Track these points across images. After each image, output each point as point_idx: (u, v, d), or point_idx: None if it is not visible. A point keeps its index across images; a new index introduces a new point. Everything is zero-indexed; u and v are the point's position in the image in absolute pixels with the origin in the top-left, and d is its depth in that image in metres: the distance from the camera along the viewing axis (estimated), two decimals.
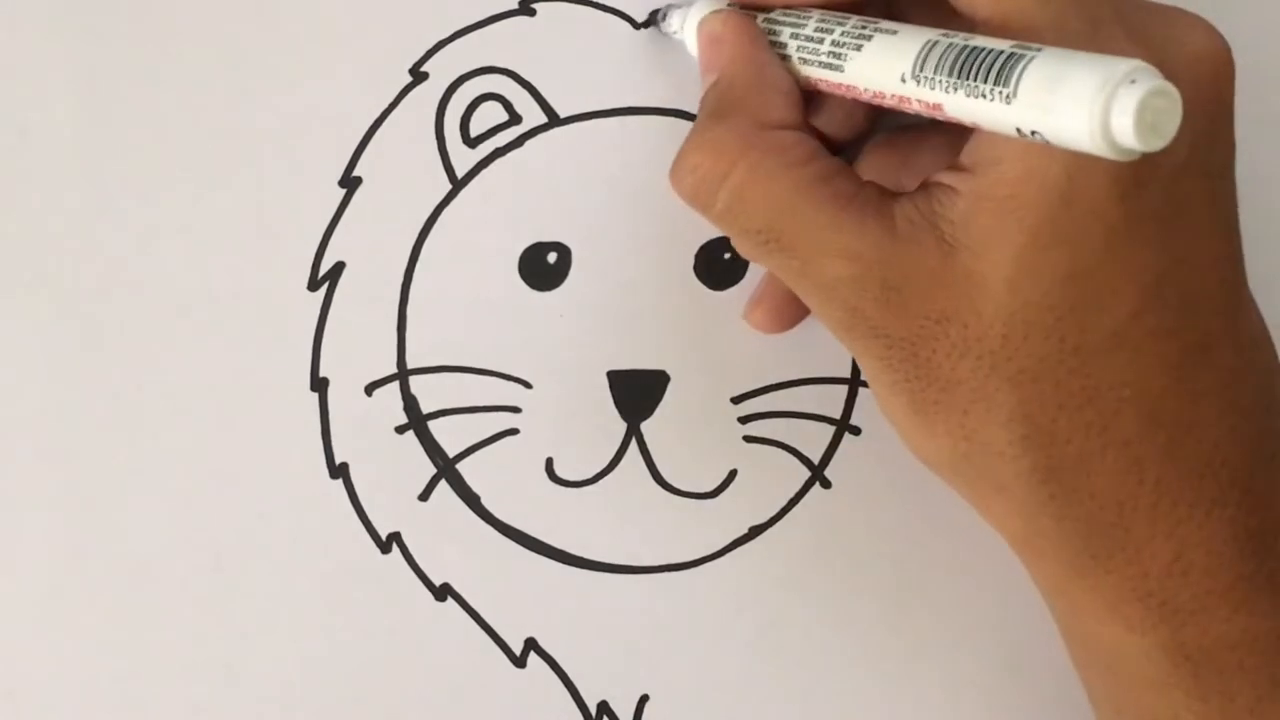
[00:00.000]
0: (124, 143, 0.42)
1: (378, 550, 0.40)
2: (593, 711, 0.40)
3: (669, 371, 0.40)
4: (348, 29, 0.42)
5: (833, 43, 0.34)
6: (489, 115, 0.42)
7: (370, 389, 0.41)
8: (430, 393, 0.41)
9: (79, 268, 0.41)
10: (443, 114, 0.42)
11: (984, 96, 0.29)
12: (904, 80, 0.31)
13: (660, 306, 0.41)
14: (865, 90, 0.33)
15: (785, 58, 0.35)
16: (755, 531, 0.40)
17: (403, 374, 0.41)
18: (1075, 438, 0.32)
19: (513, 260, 0.41)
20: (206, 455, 0.41)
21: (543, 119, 0.42)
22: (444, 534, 0.40)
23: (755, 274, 0.41)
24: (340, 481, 0.41)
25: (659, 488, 0.40)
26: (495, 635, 0.40)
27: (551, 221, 0.41)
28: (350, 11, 0.42)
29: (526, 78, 0.42)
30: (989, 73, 0.29)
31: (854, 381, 0.40)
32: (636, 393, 0.40)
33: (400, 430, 0.41)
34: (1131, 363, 0.32)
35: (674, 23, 0.39)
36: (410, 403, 0.41)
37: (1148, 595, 0.33)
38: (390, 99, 0.42)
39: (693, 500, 0.40)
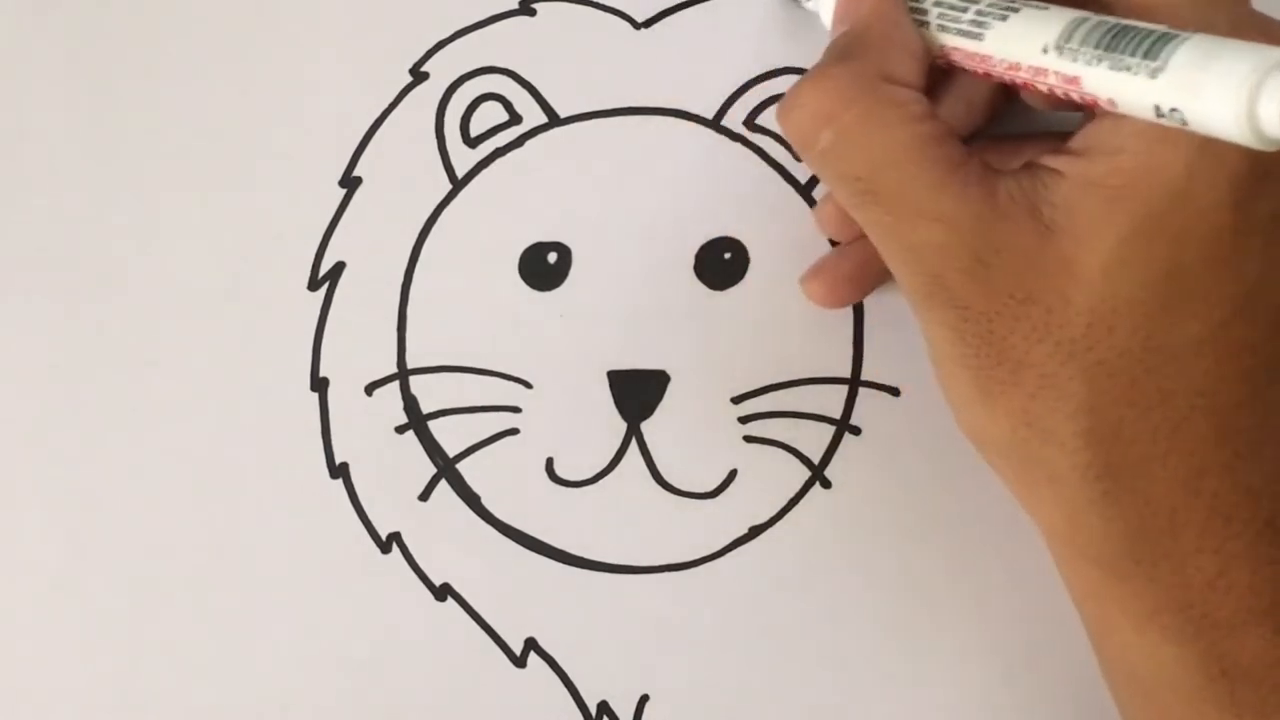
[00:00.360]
0: (124, 143, 0.42)
1: (378, 550, 0.40)
2: (593, 711, 0.40)
3: (669, 371, 0.40)
4: (348, 29, 0.42)
5: (977, 11, 0.33)
6: (489, 115, 0.42)
7: (370, 389, 0.41)
8: (430, 393, 0.41)
9: (79, 268, 0.42)
10: (443, 114, 0.42)
11: (1129, 70, 0.29)
12: (1045, 51, 0.31)
13: (660, 306, 0.41)
14: (1000, 61, 0.33)
15: (923, 24, 0.35)
16: (755, 531, 0.40)
17: (403, 374, 0.41)
18: (1140, 439, 0.32)
19: (513, 260, 0.41)
20: (206, 455, 0.41)
21: (543, 119, 0.42)
22: (444, 534, 0.40)
23: (755, 274, 0.41)
24: (340, 481, 0.41)
25: (659, 488, 0.40)
26: (495, 635, 0.40)
27: (551, 221, 0.41)
28: (350, 11, 0.42)
29: (526, 78, 0.42)
30: (1138, 47, 0.29)
31: (854, 381, 0.40)
32: (636, 393, 0.40)
33: (400, 430, 0.41)
34: (1210, 372, 0.32)
35: None
36: (410, 403, 0.41)
37: (1188, 606, 0.32)
38: (390, 99, 0.42)
39: (693, 500, 0.40)
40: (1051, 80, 0.31)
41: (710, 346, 0.40)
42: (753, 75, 0.41)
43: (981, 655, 0.39)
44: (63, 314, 0.41)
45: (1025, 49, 0.32)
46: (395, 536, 0.40)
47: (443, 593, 0.40)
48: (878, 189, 0.33)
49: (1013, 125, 0.39)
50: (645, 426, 0.40)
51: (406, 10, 0.42)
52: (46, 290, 0.42)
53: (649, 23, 0.42)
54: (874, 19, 0.35)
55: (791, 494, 0.40)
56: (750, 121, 0.41)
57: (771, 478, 0.40)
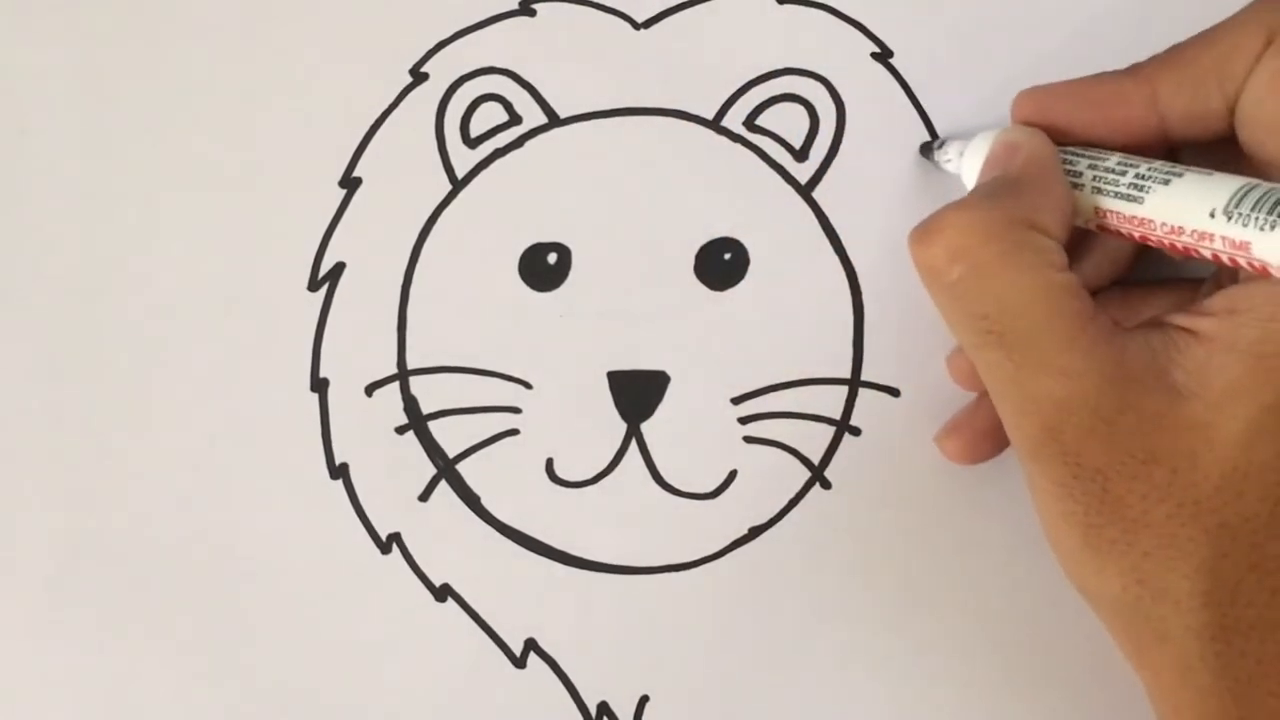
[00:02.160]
0: (124, 143, 0.42)
1: (378, 550, 0.40)
2: (593, 712, 0.40)
3: (669, 371, 0.40)
4: (348, 29, 0.42)
5: (1137, 175, 0.33)
6: (489, 116, 0.42)
7: (370, 389, 0.41)
8: (430, 393, 0.41)
9: (79, 268, 0.42)
10: (443, 114, 0.42)
11: None
12: (1213, 216, 0.31)
13: (660, 306, 0.41)
14: (1162, 225, 0.32)
15: (1077, 186, 0.35)
16: (755, 532, 0.40)
17: (403, 374, 0.41)
18: (1258, 601, 0.31)
19: (513, 260, 0.41)
20: (206, 455, 0.41)
21: (543, 119, 0.42)
22: (444, 534, 0.40)
23: (755, 274, 0.41)
24: (340, 481, 0.41)
25: (659, 488, 0.40)
26: (495, 635, 0.40)
27: (551, 221, 0.41)
28: (350, 11, 0.42)
29: (526, 78, 0.42)
30: None
31: (854, 382, 0.40)
32: (636, 393, 0.40)
33: (400, 430, 0.41)
34: None
35: (950, 152, 0.38)
36: (410, 403, 0.41)
37: None
38: (390, 99, 0.42)
39: (693, 500, 0.40)
40: (1217, 245, 0.31)
41: (710, 347, 0.40)
42: (753, 75, 0.41)
43: (981, 655, 0.39)
44: (63, 314, 0.41)
45: (1191, 214, 0.32)
46: (395, 537, 0.40)
47: (443, 593, 0.40)
48: (1003, 332, 0.32)
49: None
50: (645, 427, 0.40)
51: (406, 10, 0.42)
52: (46, 290, 0.42)
53: (649, 23, 0.42)
54: (1028, 168, 0.34)
55: (791, 494, 0.40)
56: (750, 121, 0.41)
57: (771, 478, 0.40)
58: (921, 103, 0.42)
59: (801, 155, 0.41)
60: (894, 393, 0.40)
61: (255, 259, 0.41)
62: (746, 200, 0.41)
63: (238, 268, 0.41)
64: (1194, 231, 0.32)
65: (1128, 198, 0.33)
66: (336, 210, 0.42)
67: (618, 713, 0.40)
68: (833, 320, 0.41)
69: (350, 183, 0.42)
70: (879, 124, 0.41)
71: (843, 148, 0.41)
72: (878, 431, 0.40)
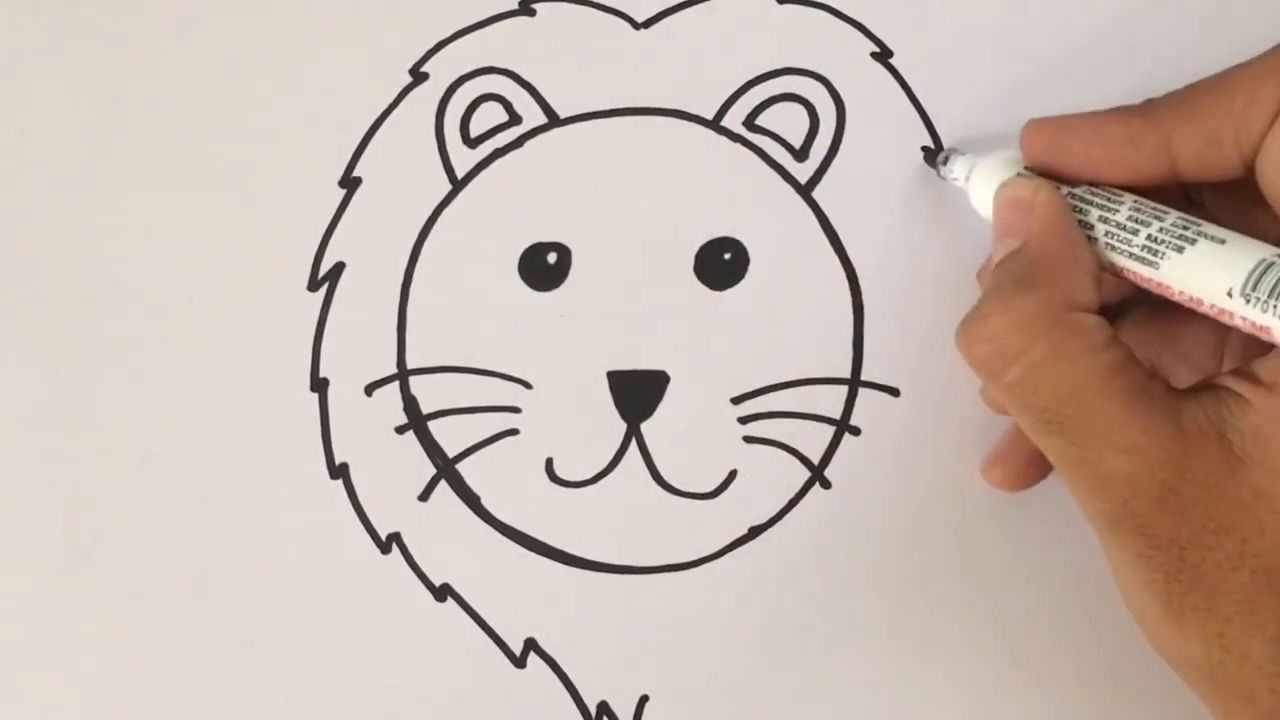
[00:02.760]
0: (124, 143, 0.42)
1: (378, 550, 0.40)
2: (592, 712, 0.40)
3: (669, 371, 0.40)
4: (348, 29, 0.42)
5: (1149, 237, 0.33)
6: (489, 116, 0.42)
7: (370, 389, 0.41)
8: (430, 393, 0.41)
9: (79, 268, 0.42)
10: (443, 114, 0.42)
11: None
12: (1230, 295, 0.31)
13: (660, 306, 0.41)
14: (1179, 293, 0.32)
15: (1090, 239, 0.34)
16: (755, 531, 0.40)
17: (403, 374, 0.41)
18: None
19: (513, 260, 0.41)
20: (206, 455, 0.41)
21: (543, 119, 0.42)
22: (444, 534, 0.40)
23: (755, 274, 0.41)
24: (340, 481, 0.41)
25: (659, 488, 0.40)
26: (495, 635, 0.40)
27: (551, 221, 0.41)
28: (350, 11, 0.42)
29: (526, 78, 0.42)
30: None
31: (854, 382, 0.40)
32: (636, 393, 0.40)
33: (400, 430, 0.41)
34: None
35: (957, 170, 0.38)
36: (410, 403, 0.41)
37: None
38: (390, 99, 0.42)
39: (693, 500, 0.40)
40: (1238, 322, 0.31)
41: (710, 346, 0.40)
42: (753, 75, 0.41)
43: (981, 655, 0.39)
44: (63, 314, 0.41)
45: (1208, 289, 0.31)
46: (395, 537, 0.40)
47: (443, 593, 0.40)
48: (1064, 420, 0.33)
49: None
50: (645, 427, 0.40)
51: (406, 10, 0.42)
52: (46, 290, 0.42)
53: (649, 23, 0.42)
54: (1049, 240, 0.34)
55: (791, 494, 0.40)
56: (750, 121, 0.41)
57: (771, 478, 0.40)
58: (921, 103, 0.42)
59: (801, 155, 0.41)
60: (894, 393, 0.40)
61: (255, 259, 0.41)
62: (746, 200, 0.41)
63: (238, 268, 0.41)
64: (1213, 306, 0.32)
65: (1142, 260, 0.33)
66: (336, 210, 0.42)
67: (618, 713, 0.40)
68: (833, 320, 0.41)
69: (350, 183, 0.42)
70: (879, 124, 0.41)
71: (843, 148, 0.41)
72: (878, 431, 0.40)
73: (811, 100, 0.41)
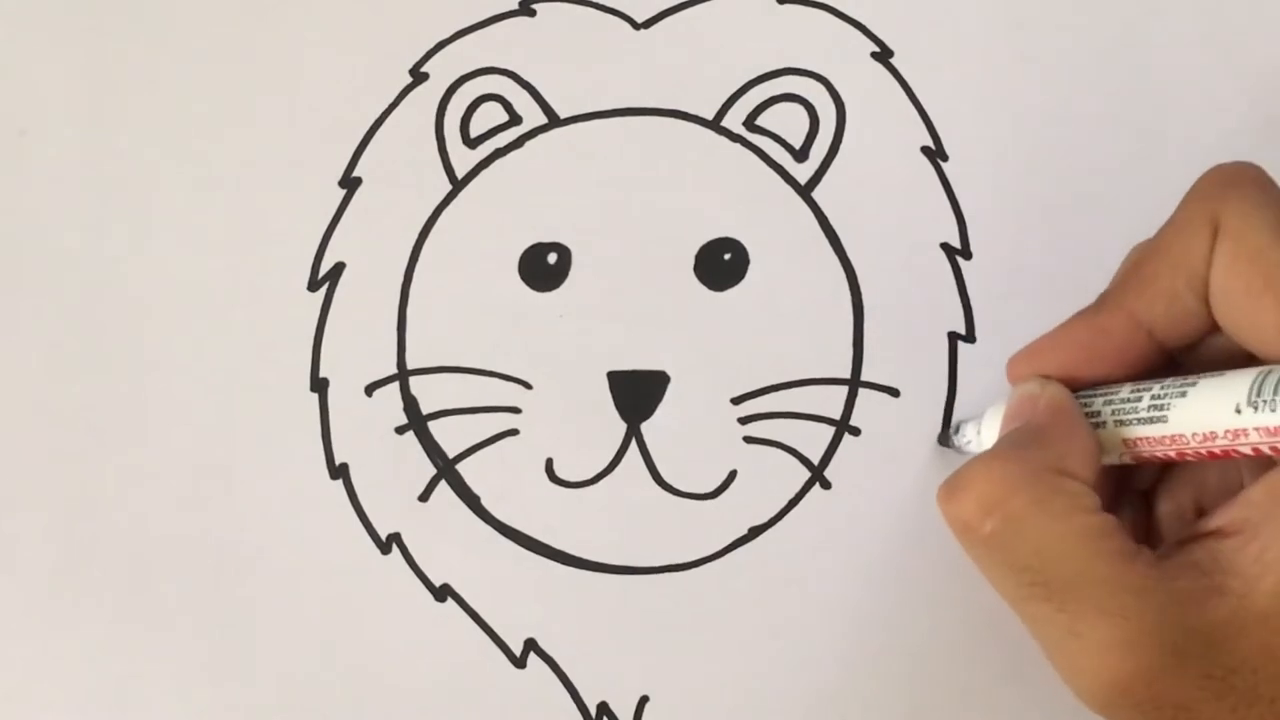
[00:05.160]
0: (124, 143, 0.42)
1: (378, 550, 0.40)
2: (592, 712, 0.40)
3: (669, 371, 0.40)
4: (348, 29, 0.42)
5: (1152, 397, 0.33)
6: (489, 116, 0.42)
7: (370, 389, 0.41)
8: (430, 393, 0.41)
9: (79, 268, 0.42)
10: (443, 114, 0.42)
11: None
12: (1239, 410, 0.31)
13: (660, 306, 0.41)
14: (1193, 437, 0.32)
15: (1098, 426, 0.34)
16: (755, 532, 0.40)
17: (403, 374, 0.41)
18: None
19: (513, 260, 0.41)
20: (207, 455, 0.41)
21: (543, 119, 0.42)
22: (444, 534, 0.40)
23: (755, 274, 0.41)
24: (340, 481, 0.40)
25: (659, 488, 0.40)
26: (495, 635, 0.40)
27: (551, 221, 0.41)
28: (350, 11, 0.42)
29: (526, 78, 0.42)
30: None
31: (854, 382, 0.40)
32: (636, 393, 0.40)
33: (400, 430, 0.41)
34: None
35: (968, 433, 0.38)
36: (410, 403, 0.41)
37: None
38: (390, 99, 0.42)
39: (693, 500, 0.40)
40: (1254, 439, 0.31)
41: (710, 346, 0.40)
42: (753, 75, 0.41)
43: (981, 655, 0.39)
44: (63, 314, 0.41)
45: (1217, 415, 0.31)
46: (395, 537, 0.40)
47: (443, 593, 0.40)
48: (1048, 582, 0.32)
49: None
50: (645, 427, 0.40)
51: (406, 10, 0.42)
52: (46, 290, 0.42)
53: (649, 23, 0.42)
54: (1049, 416, 0.34)
55: (791, 494, 0.40)
56: (750, 121, 0.41)
57: (771, 478, 0.40)
58: (921, 103, 0.42)
59: (801, 155, 0.41)
60: (894, 393, 0.40)
61: (255, 259, 0.41)
62: (746, 200, 0.41)
63: (238, 268, 0.41)
64: (1227, 431, 0.31)
65: (1151, 420, 0.33)
66: (336, 210, 0.42)
67: (618, 713, 0.40)
68: (833, 320, 0.41)
69: (350, 183, 0.42)
70: (879, 124, 0.41)
71: (843, 148, 0.41)
72: (878, 431, 0.40)
73: (811, 100, 0.41)
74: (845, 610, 0.40)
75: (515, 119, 0.42)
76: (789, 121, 0.41)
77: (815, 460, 0.40)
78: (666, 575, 0.40)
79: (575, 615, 0.40)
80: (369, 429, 0.41)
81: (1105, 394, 0.34)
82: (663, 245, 0.41)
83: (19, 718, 0.40)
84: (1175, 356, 0.35)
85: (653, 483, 0.40)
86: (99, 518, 0.41)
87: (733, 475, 0.40)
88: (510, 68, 0.42)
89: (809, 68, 0.42)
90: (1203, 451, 0.32)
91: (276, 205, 0.42)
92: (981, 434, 0.37)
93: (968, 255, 0.41)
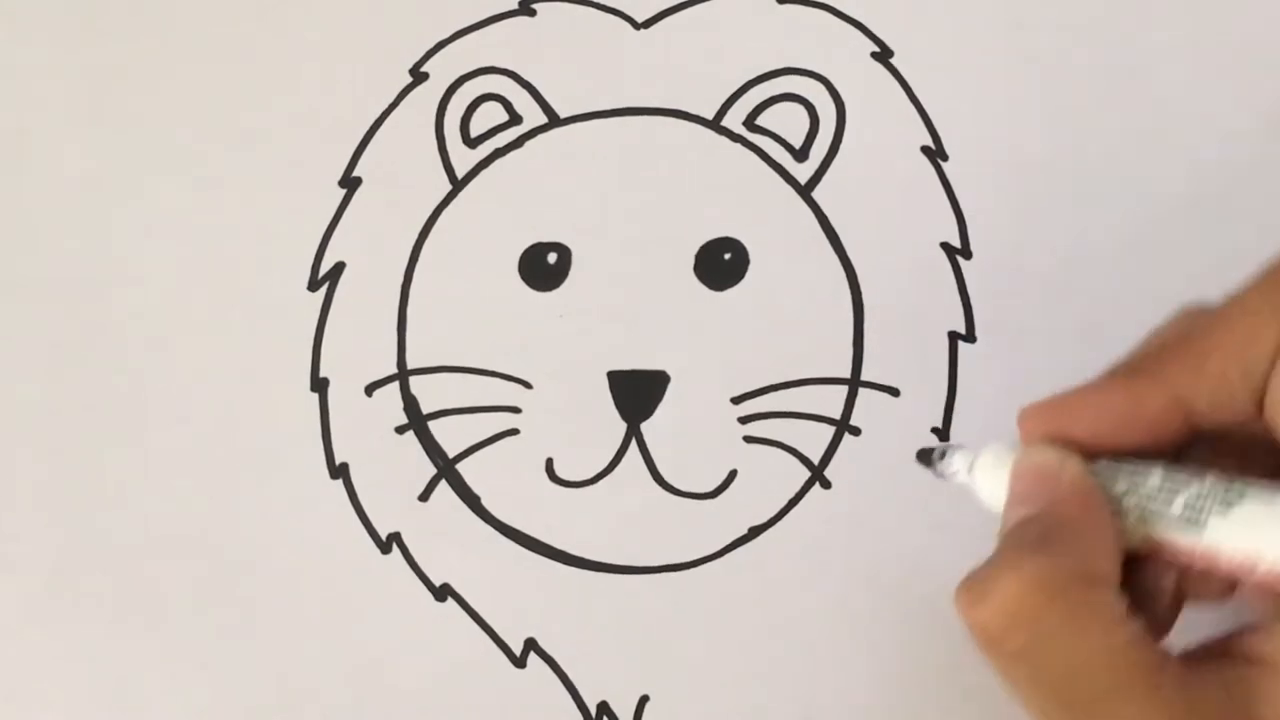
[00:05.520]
0: (124, 143, 0.42)
1: (378, 550, 0.40)
2: (593, 712, 0.40)
3: (669, 371, 0.40)
4: (348, 29, 0.42)
5: (1187, 501, 0.30)
6: (489, 115, 0.42)
7: (370, 389, 0.41)
8: (430, 393, 0.41)
9: (79, 268, 0.42)
10: (443, 114, 0.42)
11: None
12: None
13: (660, 306, 0.41)
14: (1231, 555, 0.30)
15: (1119, 513, 0.31)
16: (755, 531, 0.40)
17: (403, 374, 0.41)
18: None
19: (513, 260, 0.41)
20: (206, 455, 0.41)
21: (543, 119, 0.42)
22: (444, 534, 0.40)
23: (755, 274, 0.41)
24: (340, 481, 0.41)
25: (659, 488, 0.40)
26: (495, 635, 0.40)
27: (551, 221, 0.41)
28: (350, 11, 0.42)
29: (526, 78, 0.42)
30: None
31: (854, 382, 0.40)
32: (636, 393, 0.40)
33: (400, 430, 0.41)
34: None
35: (957, 464, 0.34)
36: (410, 403, 0.41)
37: None
38: (390, 99, 0.42)
39: (693, 500, 0.40)
40: None
41: (710, 346, 0.40)
42: (753, 75, 0.41)
43: (981, 655, 0.39)
44: (63, 314, 0.41)
45: (1267, 543, 0.29)
46: (395, 537, 0.40)
47: (443, 593, 0.40)
48: (1073, 701, 0.30)
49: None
50: (645, 427, 0.40)
51: (406, 10, 0.42)
52: (46, 290, 0.42)
53: (649, 23, 0.42)
54: (1072, 508, 0.32)
55: (791, 494, 0.40)
56: (750, 121, 0.41)
57: (771, 478, 0.40)
58: (921, 103, 0.42)
59: (801, 155, 0.41)
60: (894, 393, 0.40)
61: (255, 259, 0.41)
62: (746, 200, 0.41)
63: (238, 268, 0.41)
64: (1272, 568, 0.29)
65: (1183, 526, 0.30)
66: (336, 210, 0.42)
67: (618, 713, 0.40)
68: (833, 320, 0.41)
69: (350, 183, 0.42)
70: (879, 124, 0.41)
71: (842, 148, 0.41)
72: (878, 431, 0.40)
73: (811, 100, 0.41)
74: (845, 610, 0.40)
75: (515, 119, 0.42)
76: (789, 121, 0.41)
77: (815, 460, 0.40)
78: (666, 575, 0.40)
79: (575, 615, 0.40)
80: (369, 429, 0.41)
81: (1130, 476, 0.31)
82: (663, 245, 0.41)
83: (19, 718, 0.40)
84: (1203, 432, 0.33)
85: (653, 482, 0.40)
86: (99, 517, 0.41)
87: (733, 475, 0.40)
88: (510, 67, 0.42)
89: (809, 67, 0.42)
90: (1235, 574, 0.30)
91: (276, 205, 0.42)
92: (975, 474, 0.34)
93: (968, 255, 0.41)
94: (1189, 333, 0.33)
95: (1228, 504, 0.30)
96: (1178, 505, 0.30)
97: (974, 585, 0.31)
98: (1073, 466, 0.32)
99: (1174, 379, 0.32)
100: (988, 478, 0.33)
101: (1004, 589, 0.30)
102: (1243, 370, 0.31)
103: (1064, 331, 0.40)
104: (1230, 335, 0.32)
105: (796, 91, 0.42)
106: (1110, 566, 0.31)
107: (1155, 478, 0.31)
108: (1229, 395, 0.32)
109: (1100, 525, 0.31)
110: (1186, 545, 0.30)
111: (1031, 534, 0.31)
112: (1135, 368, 0.33)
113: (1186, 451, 0.33)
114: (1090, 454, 0.32)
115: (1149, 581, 0.33)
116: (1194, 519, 0.30)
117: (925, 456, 0.35)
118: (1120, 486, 0.31)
